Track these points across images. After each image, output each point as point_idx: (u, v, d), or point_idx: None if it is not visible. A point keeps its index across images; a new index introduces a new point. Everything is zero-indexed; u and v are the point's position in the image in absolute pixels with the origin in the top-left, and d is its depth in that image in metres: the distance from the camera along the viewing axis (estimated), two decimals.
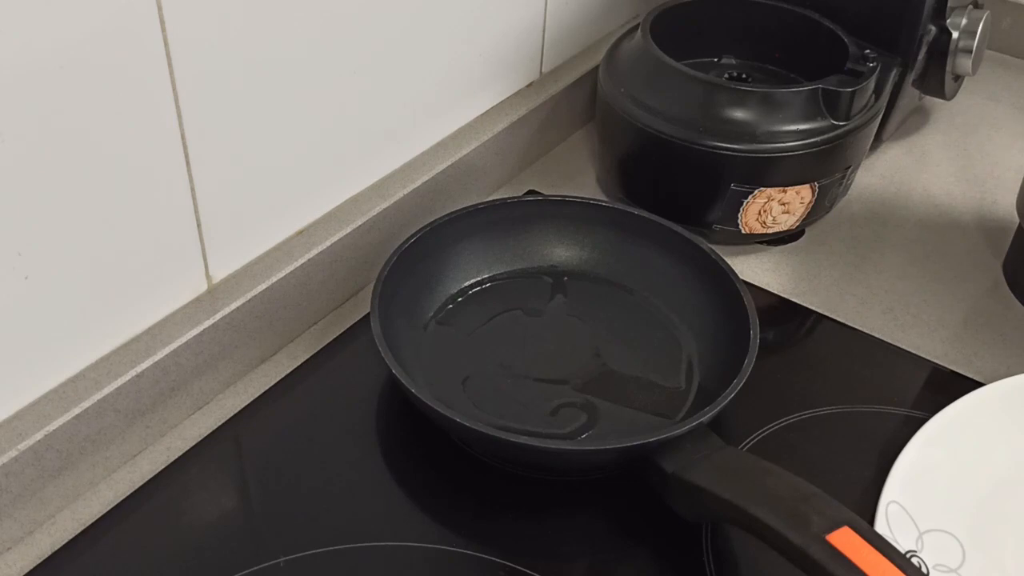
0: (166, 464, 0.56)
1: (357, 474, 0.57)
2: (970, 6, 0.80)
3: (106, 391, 0.53)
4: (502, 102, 0.78)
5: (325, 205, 0.66)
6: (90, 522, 0.53)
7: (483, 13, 0.71)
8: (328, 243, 0.64)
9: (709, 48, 0.80)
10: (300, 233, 0.64)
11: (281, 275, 0.61)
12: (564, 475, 0.57)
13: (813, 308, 0.70)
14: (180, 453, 0.57)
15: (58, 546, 0.52)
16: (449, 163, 0.72)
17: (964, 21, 0.78)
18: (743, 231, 0.72)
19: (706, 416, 0.54)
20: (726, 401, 0.55)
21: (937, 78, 0.80)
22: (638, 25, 0.75)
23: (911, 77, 0.78)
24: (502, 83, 0.77)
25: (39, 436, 0.51)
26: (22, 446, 0.50)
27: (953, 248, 0.76)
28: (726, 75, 0.79)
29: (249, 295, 0.60)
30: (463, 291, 0.67)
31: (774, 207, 0.70)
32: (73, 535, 0.53)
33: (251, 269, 0.61)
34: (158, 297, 0.57)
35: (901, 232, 0.77)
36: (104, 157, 0.50)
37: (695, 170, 0.70)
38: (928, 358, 0.66)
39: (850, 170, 0.73)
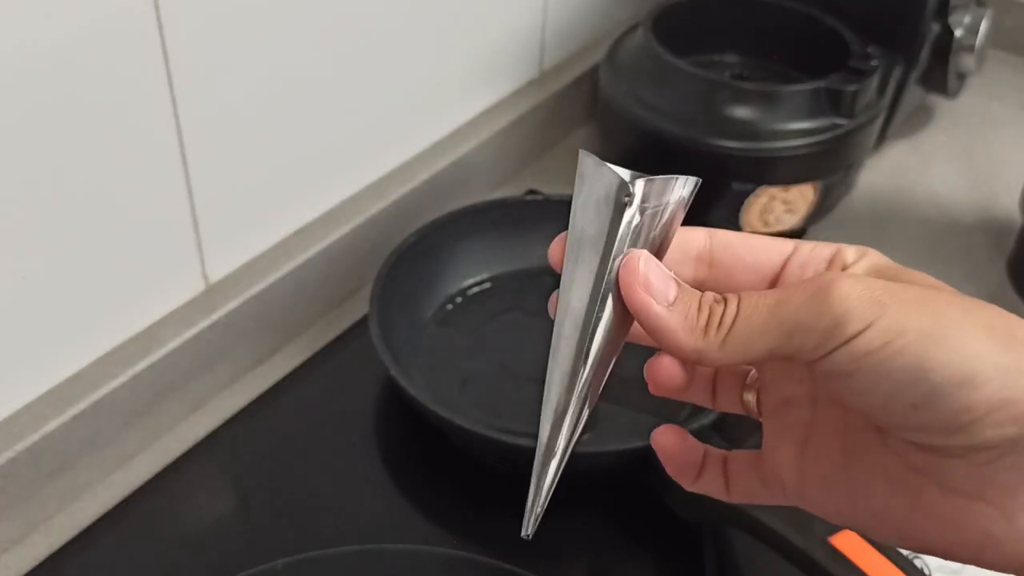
0: (163, 466, 0.56)
1: (355, 476, 0.56)
2: (973, 4, 0.79)
3: (103, 392, 0.53)
4: (502, 100, 0.78)
5: (323, 204, 0.65)
6: (87, 524, 0.53)
7: (483, 11, 0.71)
8: (327, 243, 0.64)
9: (711, 46, 0.80)
10: (298, 232, 0.64)
11: (279, 275, 0.61)
12: (564, 476, 0.57)
13: None
14: (177, 455, 0.57)
15: (55, 548, 0.52)
16: (448, 162, 0.71)
17: (967, 19, 0.77)
18: (745, 230, 0.71)
19: (707, 417, 0.54)
20: None
21: (940, 76, 0.80)
22: (639, 23, 0.75)
23: (914, 75, 0.77)
24: (502, 81, 0.77)
25: (36, 437, 0.51)
26: (19, 447, 0.50)
27: (957, 248, 0.75)
28: (728, 73, 0.78)
29: (247, 295, 0.59)
30: (463, 291, 0.66)
31: (777, 206, 0.70)
32: (70, 537, 0.52)
33: (249, 269, 0.61)
34: (155, 297, 0.57)
35: (904, 231, 0.77)
36: (101, 157, 0.50)
37: (697, 169, 0.69)
38: None
39: (853, 169, 0.72)
